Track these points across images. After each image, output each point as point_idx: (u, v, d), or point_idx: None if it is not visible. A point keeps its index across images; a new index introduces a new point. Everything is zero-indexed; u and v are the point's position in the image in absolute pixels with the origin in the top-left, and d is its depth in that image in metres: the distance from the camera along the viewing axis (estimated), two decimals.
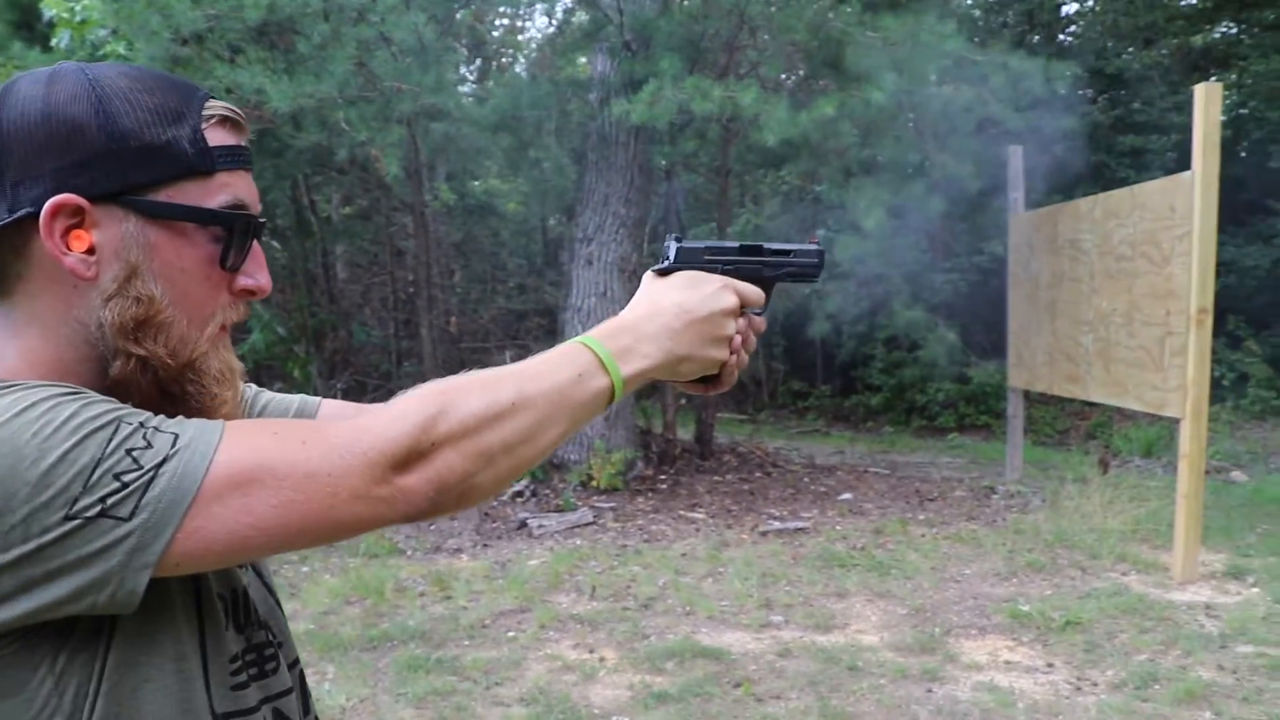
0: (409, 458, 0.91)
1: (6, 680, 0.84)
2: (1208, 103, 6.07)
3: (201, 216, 0.95)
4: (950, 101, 8.41)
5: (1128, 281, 7.00)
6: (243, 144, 1.00)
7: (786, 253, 1.23)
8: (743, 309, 1.18)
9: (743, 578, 6.20)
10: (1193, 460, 6.13)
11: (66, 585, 0.81)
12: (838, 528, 7.55)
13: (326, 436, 0.90)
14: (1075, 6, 17.14)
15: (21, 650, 0.84)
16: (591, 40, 7.85)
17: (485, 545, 7.07)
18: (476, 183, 13.76)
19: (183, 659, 0.93)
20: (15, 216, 0.90)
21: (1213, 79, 17.84)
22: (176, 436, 0.85)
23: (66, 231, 0.91)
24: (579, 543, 7.06)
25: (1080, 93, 14.73)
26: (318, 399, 1.29)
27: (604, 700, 4.43)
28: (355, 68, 6.77)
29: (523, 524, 7.47)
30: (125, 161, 0.91)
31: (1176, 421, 6.46)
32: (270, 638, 1.07)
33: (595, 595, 5.85)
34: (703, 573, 6.37)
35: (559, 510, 7.84)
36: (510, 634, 5.27)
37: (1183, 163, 14.51)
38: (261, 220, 1.01)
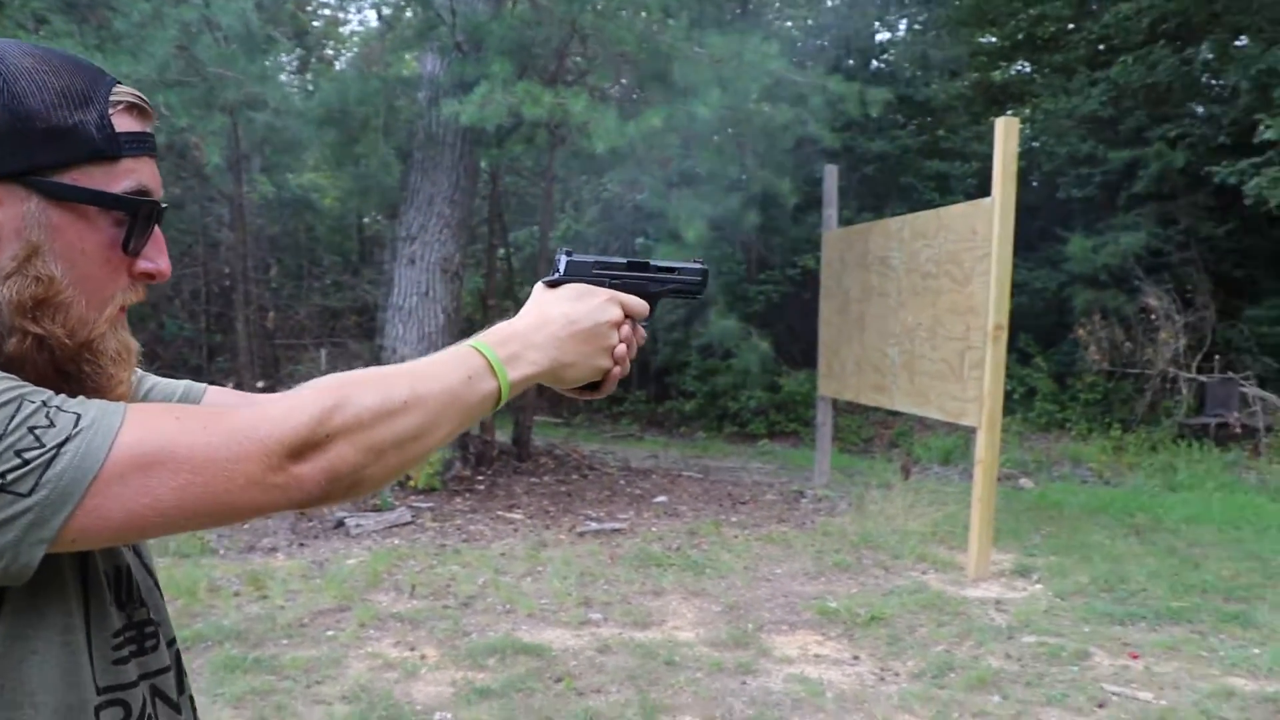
0: (304, 447, 0.94)
1: None
2: (1006, 135, 6.49)
3: (106, 201, 0.96)
4: (770, 119, 8.71)
5: (932, 298, 7.41)
6: (148, 130, 1.01)
7: (671, 270, 1.31)
8: (628, 320, 1.25)
9: (561, 577, 6.28)
10: (987, 466, 6.55)
11: None
12: (654, 529, 7.72)
13: (226, 422, 0.92)
14: (888, 35, 17.96)
15: None
16: (423, 39, 7.80)
17: (301, 544, 6.93)
18: (291, 175, 13.41)
19: (69, 631, 0.94)
20: None
21: (1009, 113, 19.03)
22: (79, 416, 0.86)
23: None
24: (397, 542, 7.00)
25: (891, 118, 15.48)
26: (203, 385, 1.29)
27: (426, 697, 4.43)
28: (176, 51, 6.54)
29: (340, 523, 7.35)
30: (30, 142, 0.91)
31: (973, 431, 6.89)
32: (150, 616, 1.08)
33: (415, 594, 5.82)
34: (522, 572, 6.42)
35: (376, 510, 7.74)
36: (330, 633, 5.19)
37: (983, 188, 15.38)
38: (164, 205, 1.03)
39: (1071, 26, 17.34)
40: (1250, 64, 12.78)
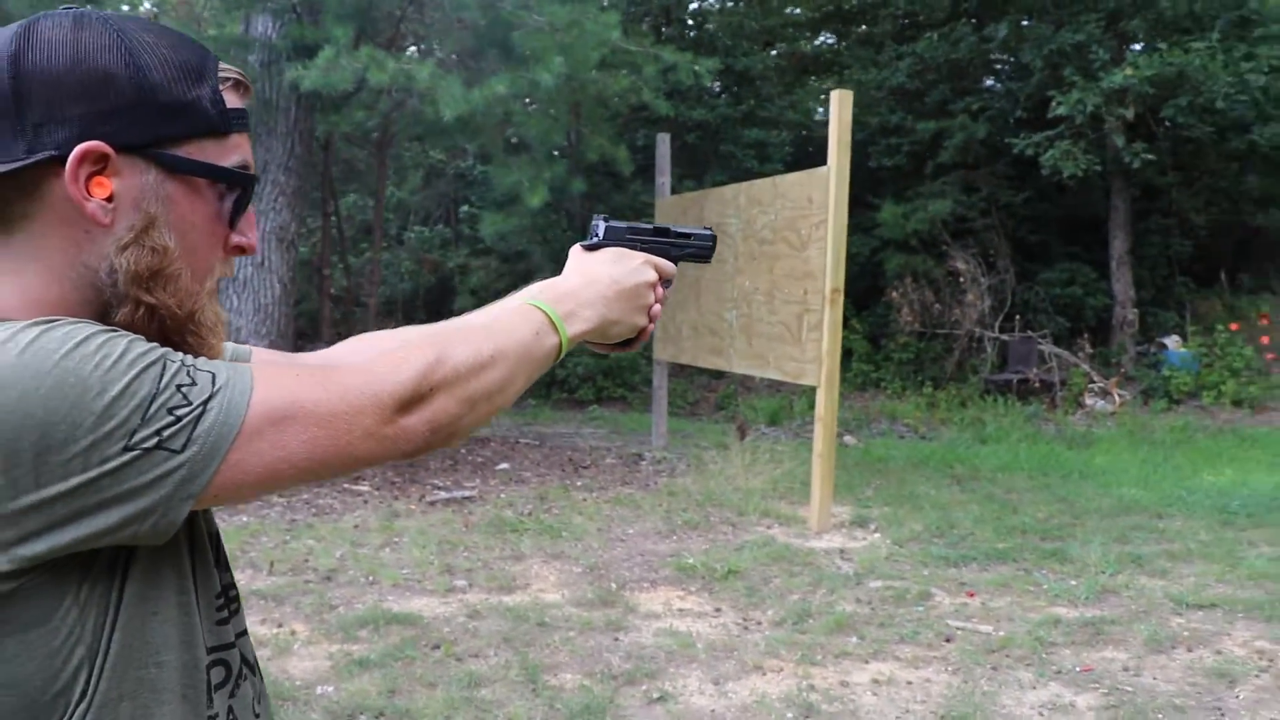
0: (411, 401, 0.98)
1: (34, 609, 0.85)
2: (841, 107, 6.80)
3: (220, 174, 0.99)
4: (606, 87, 8.81)
5: (769, 263, 7.69)
6: (246, 108, 1.04)
7: (688, 235, 1.41)
8: (660, 281, 1.35)
9: (420, 545, 6.28)
10: (826, 423, 6.88)
11: (115, 515, 0.84)
12: (503, 495, 7.78)
13: (340, 378, 0.96)
14: (707, 4, 18.27)
15: (50, 580, 0.85)
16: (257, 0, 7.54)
17: None
18: None
19: (184, 592, 0.97)
20: (37, 158, 0.90)
21: (813, 81, 19.69)
22: (214, 374, 0.89)
23: (89, 178, 0.91)
24: (245, 519, 6.84)
25: (709, 87, 15.82)
26: (248, 346, 1.32)
27: (304, 672, 4.40)
28: None
29: None
30: (153, 115, 0.93)
31: (799, 392, 7.20)
32: (232, 579, 1.11)
33: (274, 570, 5.73)
34: (379, 543, 6.39)
35: None
36: None
37: (800, 156, 15.97)
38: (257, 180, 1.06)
39: (878, 1, 18.07)
40: (1043, 44, 13.62)
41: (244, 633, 1.11)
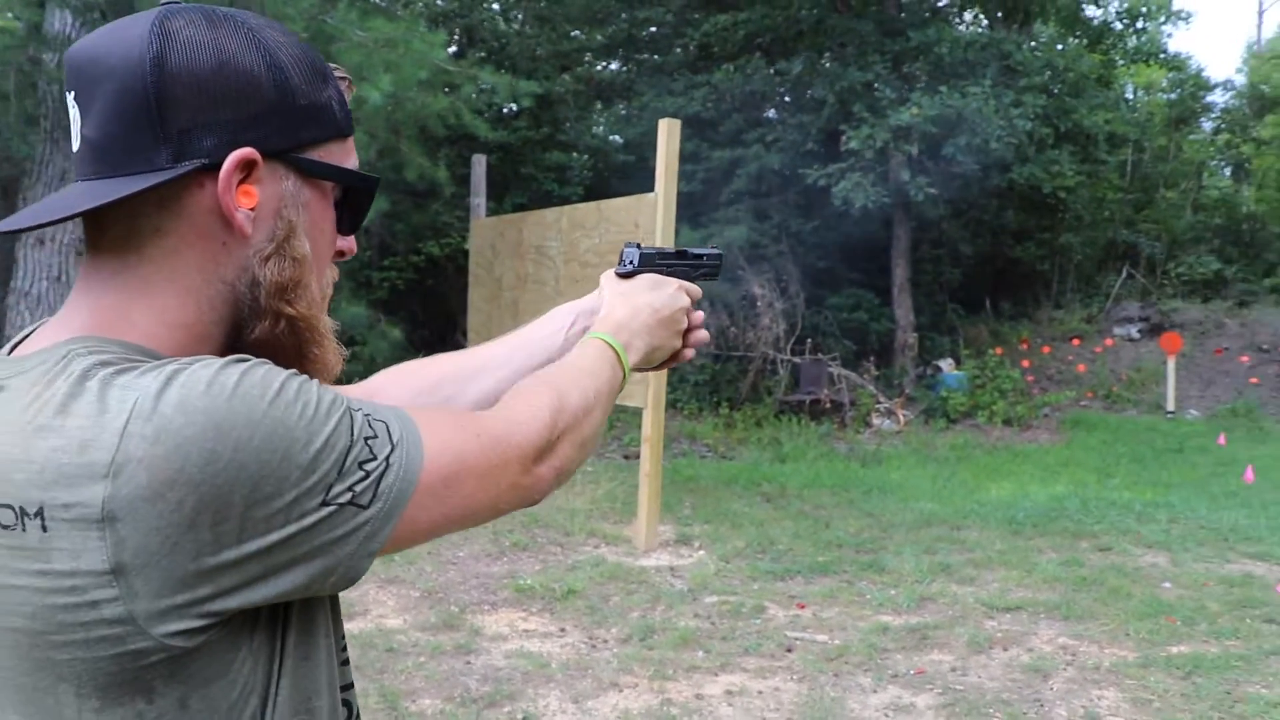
0: (543, 450, 1.00)
1: (216, 663, 0.83)
2: (669, 136, 7.01)
3: (351, 178, 0.97)
4: (426, 107, 8.75)
5: (593, 286, 7.78)
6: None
7: (701, 257, 1.49)
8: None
9: None
10: (654, 444, 7.04)
11: (304, 572, 0.82)
12: None
13: (490, 430, 0.96)
14: (506, 27, 18.32)
15: (228, 633, 0.82)
16: None
17: None
18: None
19: (327, 636, 0.95)
20: (187, 167, 0.85)
21: (606, 107, 20.06)
22: (388, 425, 0.86)
23: (237, 186, 0.87)
24: None
25: (508, 109, 15.90)
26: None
27: None
28: None
29: None
30: (294, 118, 0.90)
31: (618, 414, 7.34)
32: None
33: None
34: None
35: None
36: None
37: (597, 180, 16.16)
38: None
39: (670, 32, 18.58)
40: (834, 81, 14.36)
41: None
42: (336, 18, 7.25)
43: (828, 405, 13.71)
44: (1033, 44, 17.11)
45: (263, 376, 0.80)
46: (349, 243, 1.03)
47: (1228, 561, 6.79)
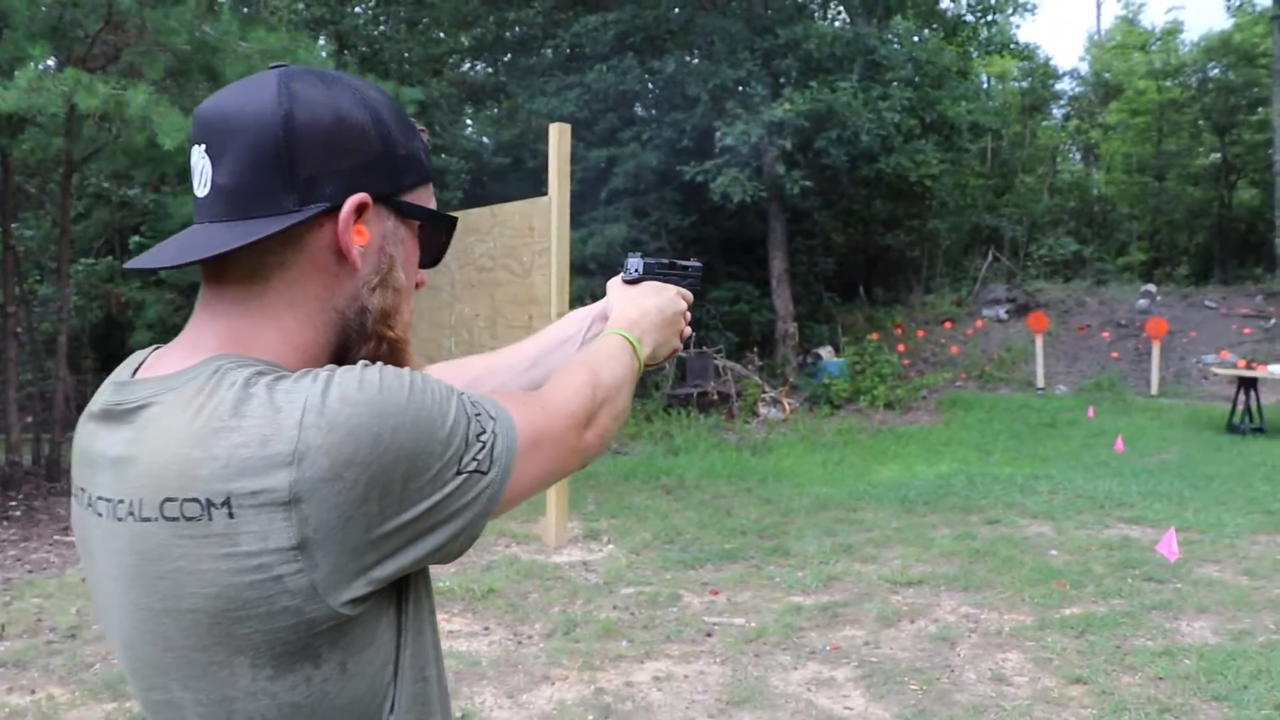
0: (589, 418, 1.15)
1: (368, 631, 0.93)
2: (560, 140, 7.09)
3: (437, 219, 1.10)
4: None
5: (490, 290, 7.87)
6: None
7: (686, 267, 1.64)
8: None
9: None
10: None
11: (443, 534, 0.93)
12: None
13: (548, 404, 1.10)
14: (377, 30, 18.12)
15: (374, 604, 0.93)
16: None
17: None
18: None
19: (431, 614, 1.07)
20: (314, 210, 0.97)
21: (478, 109, 20.02)
22: (484, 405, 0.99)
23: (352, 226, 0.99)
24: None
25: None
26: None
27: None
28: None
29: None
30: (395, 166, 1.03)
31: None
32: None
33: (4, 635, 5.27)
34: None
35: None
36: None
37: (474, 184, 16.14)
38: None
39: (539, 34, 18.65)
40: (707, 79, 14.64)
41: None
42: (219, 29, 7.14)
43: (715, 397, 13.99)
44: (893, 38, 17.70)
45: (395, 373, 0.93)
46: (423, 275, 1.16)
47: (1106, 527, 7.23)
